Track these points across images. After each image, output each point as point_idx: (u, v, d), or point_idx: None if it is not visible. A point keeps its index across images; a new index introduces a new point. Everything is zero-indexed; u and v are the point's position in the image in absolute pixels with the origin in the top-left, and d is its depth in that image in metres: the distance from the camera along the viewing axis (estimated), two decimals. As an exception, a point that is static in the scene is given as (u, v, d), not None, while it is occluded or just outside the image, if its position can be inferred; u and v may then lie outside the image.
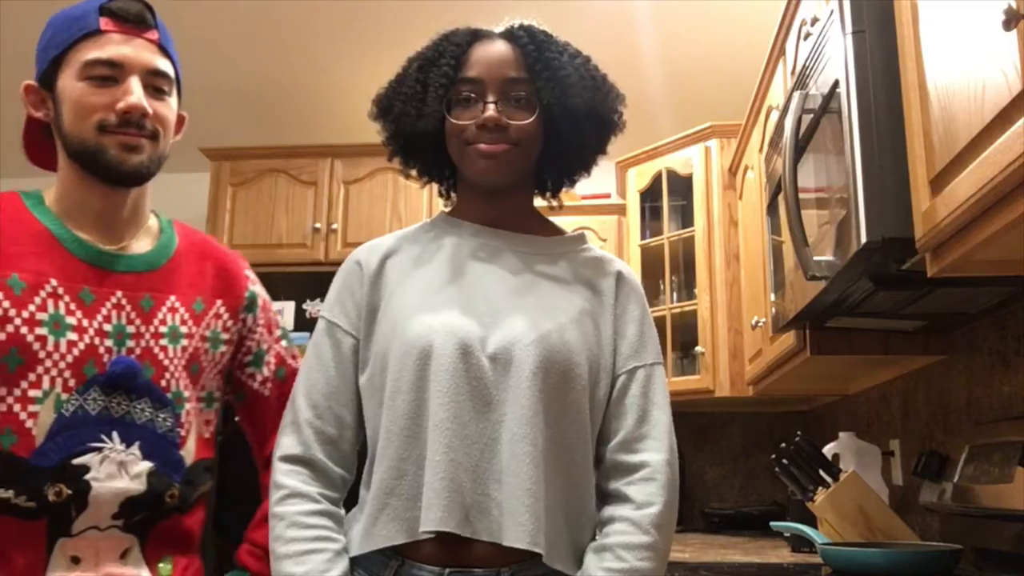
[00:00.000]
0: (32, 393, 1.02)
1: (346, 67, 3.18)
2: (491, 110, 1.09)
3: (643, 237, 3.31)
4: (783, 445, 1.98)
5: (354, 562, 1.04)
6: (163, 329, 1.12)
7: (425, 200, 3.28)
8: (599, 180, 3.79)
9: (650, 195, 3.34)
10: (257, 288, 1.27)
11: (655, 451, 1.07)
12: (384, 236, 1.21)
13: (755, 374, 2.58)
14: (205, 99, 3.43)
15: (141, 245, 1.16)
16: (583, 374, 1.06)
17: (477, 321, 1.06)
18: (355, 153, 3.32)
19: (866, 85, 1.34)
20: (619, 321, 1.14)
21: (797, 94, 1.59)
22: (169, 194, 4.09)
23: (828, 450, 2.25)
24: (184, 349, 1.14)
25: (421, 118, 1.11)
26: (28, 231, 1.08)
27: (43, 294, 1.05)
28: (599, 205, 3.50)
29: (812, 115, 1.57)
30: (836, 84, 1.41)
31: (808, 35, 1.72)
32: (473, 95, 1.11)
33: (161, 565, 1.12)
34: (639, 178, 3.34)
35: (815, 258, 1.51)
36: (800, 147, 1.64)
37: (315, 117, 3.53)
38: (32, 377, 1.02)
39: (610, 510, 1.06)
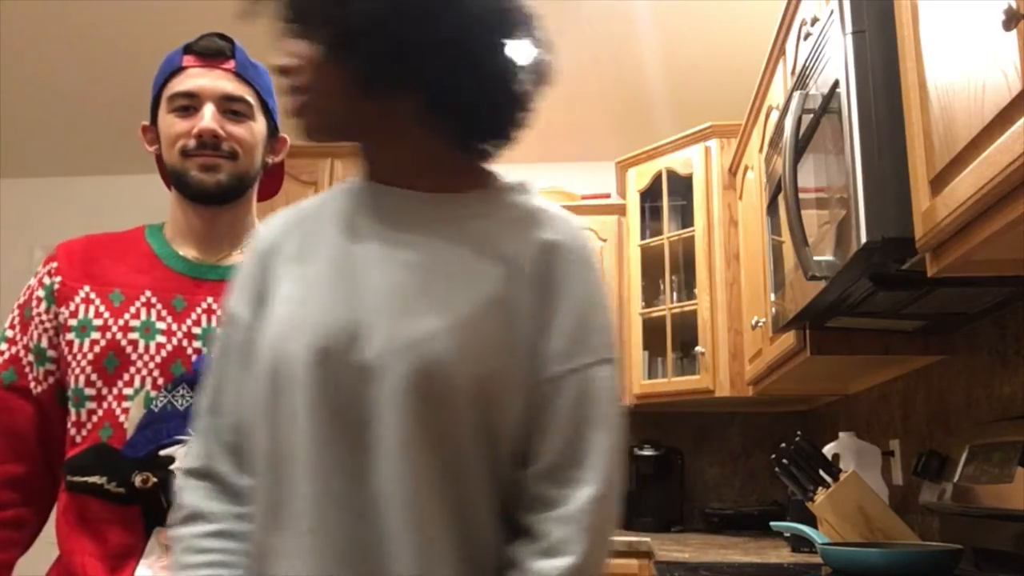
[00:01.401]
0: (126, 391, 1.13)
1: (346, 67, 3.18)
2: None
3: (643, 237, 3.31)
4: (783, 445, 1.98)
5: None
6: None
7: (425, 200, 3.27)
8: (599, 180, 3.80)
9: (650, 195, 3.34)
10: None
11: (584, 484, 0.82)
12: (300, 202, 1.03)
13: (755, 374, 2.58)
14: (205, 99, 3.44)
15: (241, 256, 1.21)
16: (468, 387, 0.82)
17: (346, 322, 0.84)
18: (355, 153, 3.31)
19: (866, 85, 1.34)
20: (544, 309, 0.86)
21: (797, 94, 1.59)
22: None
23: (828, 450, 2.25)
24: None
25: None
26: (136, 254, 1.22)
27: (138, 304, 1.17)
28: (599, 205, 3.50)
29: (812, 115, 1.57)
30: (836, 84, 1.41)
31: (808, 35, 1.72)
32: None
33: None
34: (639, 178, 3.34)
35: (815, 258, 1.51)
36: (800, 147, 1.64)
37: (315, 117, 3.53)
38: (126, 377, 1.13)
39: (517, 551, 0.83)
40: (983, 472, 1.49)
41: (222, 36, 1.25)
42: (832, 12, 1.44)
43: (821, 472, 1.93)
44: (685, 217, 3.24)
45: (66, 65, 3.17)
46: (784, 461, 1.96)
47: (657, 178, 3.27)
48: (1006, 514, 1.41)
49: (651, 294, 3.30)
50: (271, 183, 1.35)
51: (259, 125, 1.26)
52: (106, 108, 3.51)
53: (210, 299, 1.20)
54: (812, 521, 2.01)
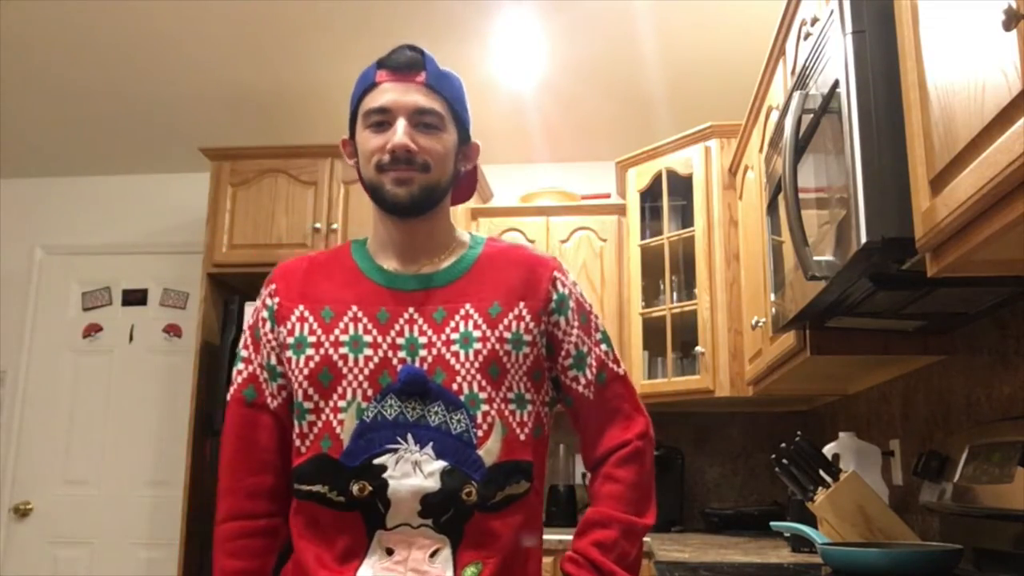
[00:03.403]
0: (340, 404, 1.18)
1: (346, 67, 3.18)
2: None
3: (643, 237, 3.31)
4: (783, 445, 1.98)
5: None
6: (454, 336, 1.20)
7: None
8: (599, 180, 3.80)
9: (650, 195, 3.35)
10: (567, 291, 1.29)
11: None
12: None
13: (755, 374, 2.58)
14: (205, 99, 3.44)
15: (441, 264, 1.28)
16: None
17: None
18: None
19: (866, 85, 1.34)
20: None
21: (797, 94, 1.59)
22: (169, 194, 4.11)
23: (828, 450, 2.25)
24: (478, 352, 1.20)
25: None
26: (342, 269, 1.28)
27: (346, 319, 1.22)
28: (599, 205, 3.50)
29: (812, 115, 1.57)
30: (836, 84, 1.41)
31: (808, 35, 1.72)
32: None
33: (468, 570, 1.14)
34: (639, 178, 3.34)
35: (815, 258, 1.51)
36: (800, 147, 1.64)
37: (315, 117, 3.53)
38: (339, 390, 1.18)
39: None
40: (983, 472, 1.49)
41: (413, 48, 1.27)
42: (832, 12, 1.44)
43: (821, 472, 1.93)
44: (685, 217, 3.24)
45: (67, 65, 3.17)
46: (784, 461, 1.96)
47: (657, 178, 3.27)
48: (1006, 514, 1.41)
49: (651, 294, 3.30)
50: (465, 188, 1.38)
51: (450, 135, 1.27)
52: (107, 108, 3.52)
53: (411, 309, 1.22)
54: (812, 521, 2.01)
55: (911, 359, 1.99)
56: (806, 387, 2.62)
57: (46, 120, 3.62)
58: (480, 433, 1.17)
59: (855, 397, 2.64)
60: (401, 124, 1.21)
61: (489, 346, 1.20)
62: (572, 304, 1.28)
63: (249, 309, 3.10)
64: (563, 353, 1.27)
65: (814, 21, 1.67)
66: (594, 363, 1.27)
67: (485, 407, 1.18)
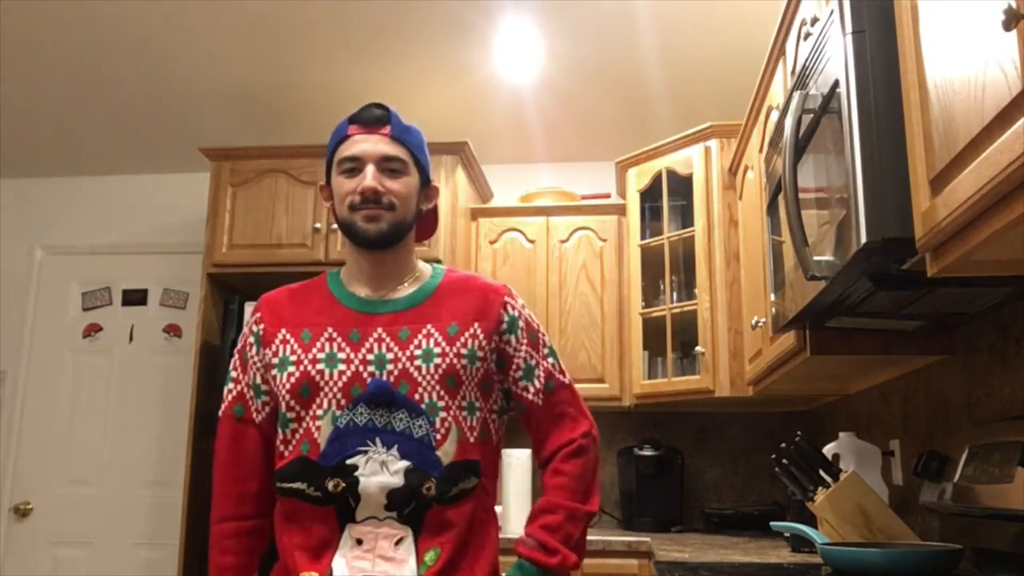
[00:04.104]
0: (317, 412, 1.35)
1: (345, 67, 3.18)
2: None
3: (643, 237, 3.31)
4: (783, 445, 1.98)
5: None
6: (417, 352, 1.37)
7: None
8: (599, 180, 3.80)
9: (650, 195, 3.35)
10: (517, 313, 1.47)
11: None
12: None
13: (755, 374, 2.58)
14: (205, 99, 3.44)
15: (406, 291, 1.45)
16: None
17: None
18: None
19: (866, 85, 1.34)
20: None
21: (797, 94, 1.59)
22: (169, 194, 4.11)
23: (828, 450, 2.25)
24: (437, 366, 1.36)
25: None
26: (320, 297, 1.46)
27: (322, 339, 1.39)
28: (599, 205, 3.50)
29: (812, 115, 1.57)
30: (836, 84, 1.41)
31: (808, 35, 1.72)
32: None
33: (428, 555, 1.31)
34: (639, 178, 3.34)
35: (815, 258, 1.51)
36: (800, 147, 1.64)
37: (315, 117, 3.53)
38: (317, 400, 1.35)
39: None
40: (983, 472, 1.49)
41: (379, 106, 1.45)
42: (832, 12, 1.44)
43: (821, 472, 1.93)
44: (685, 217, 3.24)
45: (67, 65, 3.17)
46: (784, 461, 1.96)
47: (657, 178, 3.27)
48: (1006, 514, 1.41)
49: (651, 294, 3.30)
50: (427, 225, 1.54)
51: (413, 179, 1.44)
52: (107, 108, 3.51)
53: (380, 329, 1.39)
54: (812, 521, 2.01)
55: (911, 359, 1.99)
56: (806, 387, 2.62)
57: (46, 120, 3.62)
58: (439, 436, 1.34)
59: (855, 397, 2.64)
60: (370, 170, 1.39)
61: (448, 361, 1.37)
62: (522, 324, 1.46)
63: (249, 308, 3.10)
64: (514, 367, 1.44)
65: (814, 21, 1.67)
66: (542, 374, 1.45)
67: (443, 414, 1.35)
